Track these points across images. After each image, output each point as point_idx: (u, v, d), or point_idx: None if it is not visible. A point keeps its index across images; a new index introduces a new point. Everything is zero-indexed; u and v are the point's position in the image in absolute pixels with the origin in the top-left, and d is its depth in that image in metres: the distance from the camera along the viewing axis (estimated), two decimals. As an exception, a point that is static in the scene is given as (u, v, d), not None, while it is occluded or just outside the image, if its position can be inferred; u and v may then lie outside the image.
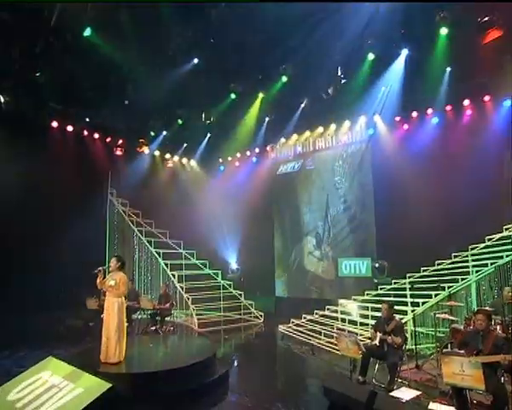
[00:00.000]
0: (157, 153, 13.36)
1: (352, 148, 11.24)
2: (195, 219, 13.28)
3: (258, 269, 13.08)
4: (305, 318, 8.99)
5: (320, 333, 7.76)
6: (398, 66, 8.31)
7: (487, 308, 5.55)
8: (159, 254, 11.40)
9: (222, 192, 14.02)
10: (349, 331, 7.59)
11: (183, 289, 10.58)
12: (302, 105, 9.98)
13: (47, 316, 10.33)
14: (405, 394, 4.83)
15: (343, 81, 8.61)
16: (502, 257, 6.70)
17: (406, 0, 6.64)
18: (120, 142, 12.37)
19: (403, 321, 6.60)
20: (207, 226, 13.46)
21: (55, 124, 10.94)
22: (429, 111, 10.48)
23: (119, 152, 12.52)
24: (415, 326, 6.50)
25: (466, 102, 9.91)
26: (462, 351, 4.06)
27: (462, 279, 6.82)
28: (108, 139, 12.10)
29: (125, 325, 5.50)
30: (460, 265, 7.34)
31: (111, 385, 4.36)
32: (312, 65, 8.31)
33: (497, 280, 6.65)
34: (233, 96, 9.83)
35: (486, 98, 9.69)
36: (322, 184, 11.81)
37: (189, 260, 11.67)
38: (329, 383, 4.79)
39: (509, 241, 6.89)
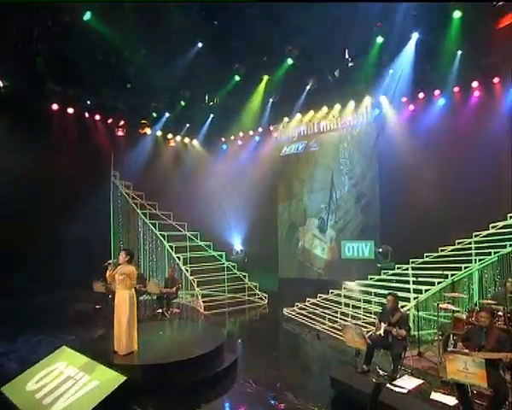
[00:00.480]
0: (159, 134, 13.24)
1: (357, 130, 11.12)
2: (198, 201, 13.33)
3: (261, 250, 13.25)
4: (308, 301, 9.20)
5: (324, 318, 7.95)
6: (408, 49, 8.07)
7: (489, 301, 5.67)
8: (163, 236, 11.51)
9: (225, 173, 14.00)
10: (352, 316, 7.81)
11: (188, 271, 10.76)
12: (307, 87, 9.76)
13: (55, 298, 10.62)
14: (408, 383, 5.00)
15: (350, 64, 8.38)
16: (505, 246, 6.78)
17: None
18: (122, 123, 12.25)
19: (406, 308, 6.81)
20: (211, 208, 13.52)
21: (55, 106, 10.76)
22: (436, 92, 10.32)
23: (120, 132, 12.42)
24: (418, 311, 6.61)
25: (474, 84, 9.73)
26: (466, 350, 4.17)
27: (466, 267, 6.91)
28: (110, 121, 11.95)
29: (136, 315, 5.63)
30: (463, 252, 7.41)
31: (126, 378, 4.53)
32: (319, 47, 8.08)
33: (500, 269, 6.76)
34: (237, 78, 9.61)
35: (496, 80, 9.51)
36: (327, 167, 11.76)
37: (193, 241, 11.77)
38: (336, 374, 4.98)
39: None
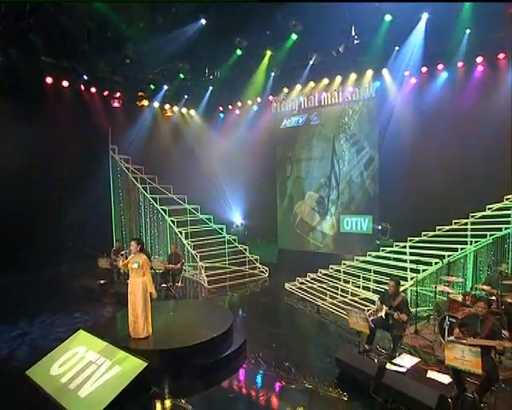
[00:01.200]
0: (157, 105, 12.95)
1: (359, 104, 11.05)
2: (197, 174, 13.35)
3: (261, 222, 13.52)
4: (309, 276, 9.58)
5: (325, 294, 8.34)
6: (418, 29, 7.88)
7: (484, 287, 6.02)
8: (165, 211, 11.61)
9: (224, 145, 13.92)
10: (352, 293, 8.20)
11: (190, 246, 10.99)
12: (311, 62, 9.53)
13: (57, 273, 10.85)
14: (406, 361, 5.41)
15: (356, 42, 8.18)
16: (501, 229, 7.07)
17: None
18: (118, 94, 11.92)
19: (404, 287, 7.18)
20: (210, 181, 13.59)
21: (49, 80, 10.38)
22: (440, 66, 10.21)
23: (116, 104, 12.14)
24: (417, 291, 6.95)
25: (479, 59, 9.62)
26: (463, 340, 4.51)
27: (462, 249, 7.23)
28: (106, 93, 11.60)
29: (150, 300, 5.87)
30: (460, 233, 7.69)
31: (147, 364, 4.83)
32: (324, 23, 7.81)
33: (494, 252, 7.10)
34: (239, 51, 9.32)
35: (501, 56, 9.41)
36: (327, 141, 11.77)
37: (193, 215, 11.90)
38: (341, 355, 5.36)
39: (509, 212, 7.19)
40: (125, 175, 12.03)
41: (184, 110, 14.06)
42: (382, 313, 5.83)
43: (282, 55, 9.30)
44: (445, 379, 4.86)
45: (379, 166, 10.71)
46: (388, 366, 5.16)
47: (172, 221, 11.47)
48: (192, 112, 14.30)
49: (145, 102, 12.13)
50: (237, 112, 14.53)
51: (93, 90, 11.29)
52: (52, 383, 5.03)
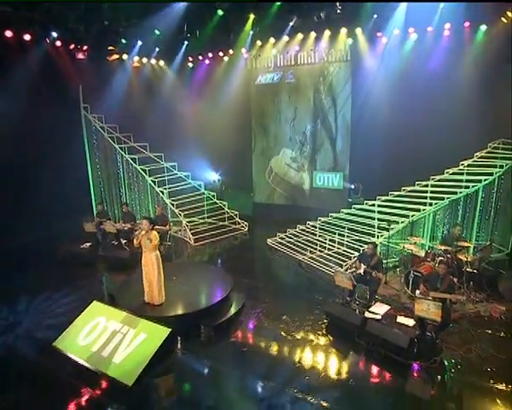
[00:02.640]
0: (129, 60, 12.25)
1: (333, 66, 11.38)
2: (172, 131, 13.23)
3: (236, 177, 13.98)
4: (288, 231, 10.54)
5: (305, 249, 9.39)
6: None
7: (442, 247, 7.28)
8: (144, 171, 11.68)
9: (197, 100, 13.72)
10: (328, 249, 9.32)
11: (174, 205, 11.37)
12: (291, 23, 9.53)
13: (41, 239, 10.75)
14: (380, 309, 6.66)
15: (339, 11, 8.34)
16: (456, 193, 8.28)
17: None
18: (85, 48, 11.13)
19: (375, 240, 8.37)
20: (184, 137, 13.52)
21: (9, 33, 9.43)
22: (411, 30, 10.67)
23: (81, 55, 11.38)
24: (388, 243, 8.13)
25: (447, 25, 10.20)
26: (429, 296, 5.71)
27: (423, 209, 8.43)
28: (72, 46, 10.77)
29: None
30: (421, 195, 8.84)
31: (171, 330, 5.59)
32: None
33: (450, 212, 8.38)
34: (220, 12, 9.04)
35: (466, 24, 10.04)
36: (301, 99, 12.14)
37: (171, 174, 12.06)
38: (329, 308, 6.49)
39: (462, 178, 8.38)
40: (100, 135, 11.72)
41: (154, 61, 13.43)
42: (361, 271, 6.95)
43: (265, 20, 9.18)
44: (411, 322, 6.16)
45: (351, 127, 11.42)
46: (366, 314, 6.39)
47: (153, 181, 11.64)
48: (161, 63, 13.69)
49: (116, 57, 11.44)
50: (207, 62, 14.12)
51: (58, 44, 10.42)
52: (83, 352, 5.64)
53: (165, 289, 6.49)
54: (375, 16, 9.17)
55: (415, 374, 5.22)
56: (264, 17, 9.17)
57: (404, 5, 9.08)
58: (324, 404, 4.65)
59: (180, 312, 6.27)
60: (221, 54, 13.41)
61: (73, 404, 4.75)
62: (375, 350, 5.60)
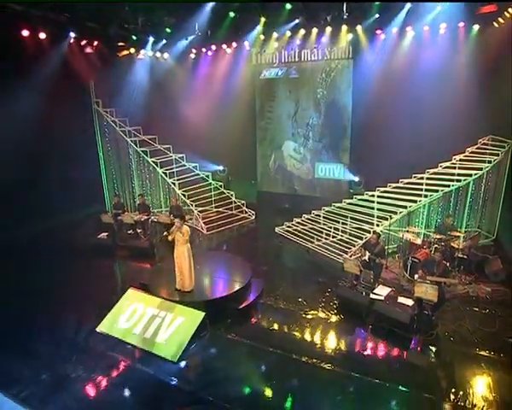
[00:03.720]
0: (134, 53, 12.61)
1: (335, 62, 12.01)
2: (178, 124, 13.69)
3: (241, 167, 14.62)
4: (295, 220, 11.35)
5: (312, 237, 10.25)
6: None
7: (436, 236, 8.19)
8: (156, 163, 12.25)
9: (203, 94, 14.16)
10: (333, 236, 10.18)
11: (185, 196, 12.03)
12: (297, 20, 10.05)
13: (56, 228, 11.34)
14: (383, 290, 7.56)
15: (345, 16, 8.93)
16: (449, 185, 9.15)
17: None
18: (96, 43, 11.48)
19: (375, 228, 9.24)
20: (191, 130, 14.02)
21: (25, 32, 9.75)
22: (408, 28, 11.31)
23: (92, 51, 11.72)
24: (389, 231, 9.00)
25: (443, 25, 10.86)
26: (427, 281, 6.62)
27: (419, 201, 9.30)
28: (84, 42, 11.10)
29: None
30: (418, 187, 9.67)
31: (205, 313, 6.40)
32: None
33: (443, 202, 9.27)
34: (232, 14, 9.52)
35: (461, 25, 10.73)
36: (305, 93, 12.77)
37: (180, 165, 12.61)
38: (340, 292, 7.40)
39: (454, 172, 9.24)
40: (112, 129, 12.19)
41: (159, 54, 13.75)
42: (366, 258, 7.85)
43: (274, 21, 9.68)
44: (410, 302, 7.05)
45: (352, 120, 12.15)
46: (371, 295, 7.31)
47: (164, 173, 12.23)
48: (166, 55, 14.01)
49: (126, 52, 11.81)
50: (209, 53, 14.47)
51: (72, 41, 10.75)
52: (127, 333, 6.43)
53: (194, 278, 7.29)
54: (377, 16, 9.71)
55: (415, 345, 6.18)
56: (274, 19, 9.64)
57: (408, 5, 9.62)
58: (338, 370, 5.60)
59: (209, 297, 7.09)
60: (224, 46, 13.85)
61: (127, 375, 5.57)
62: (380, 326, 6.53)
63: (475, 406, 4.92)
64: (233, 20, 9.90)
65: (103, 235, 10.64)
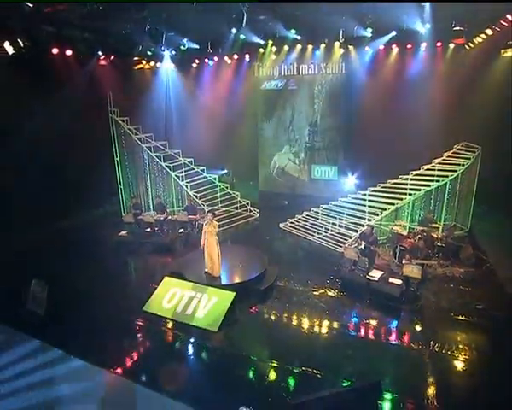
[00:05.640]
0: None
1: (330, 76, 13.55)
2: (185, 130, 14.96)
3: (244, 170, 16.03)
4: (296, 217, 12.80)
5: (314, 231, 11.74)
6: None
7: (420, 228, 9.82)
8: (169, 167, 13.44)
9: (208, 102, 15.47)
10: (331, 230, 11.69)
11: (197, 197, 13.29)
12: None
13: (79, 226, 12.50)
14: (376, 274, 9.08)
15: (341, 40, 10.44)
16: (429, 185, 10.78)
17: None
18: (112, 57, 12.63)
19: (367, 222, 10.78)
20: (196, 134, 15.31)
21: (55, 50, 10.84)
22: (394, 46, 12.95)
23: (103, 62, 12.82)
24: (380, 224, 10.56)
25: (423, 45, 12.49)
26: (414, 263, 8.18)
27: (405, 198, 10.91)
28: (102, 55, 12.21)
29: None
30: (403, 186, 11.27)
31: (235, 293, 7.74)
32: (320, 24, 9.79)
33: (425, 199, 10.93)
34: (242, 36, 10.90)
35: (438, 44, 12.42)
36: (303, 104, 14.29)
37: (189, 168, 13.77)
38: (344, 276, 8.90)
39: (434, 173, 10.88)
40: (127, 136, 13.32)
41: (166, 64, 14.92)
42: (362, 246, 9.38)
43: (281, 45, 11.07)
44: (399, 282, 8.60)
45: (344, 127, 13.74)
46: (367, 277, 8.84)
47: (177, 176, 13.45)
48: (172, 65, 15.15)
49: (140, 66, 12.96)
50: (210, 63, 15.69)
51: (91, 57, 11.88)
52: (171, 311, 7.71)
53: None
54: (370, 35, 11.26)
55: (404, 314, 7.74)
56: (280, 44, 11.06)
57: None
58: (344, 331, 7.10)
59: (236, 281, 8.47)
60: (226, 58, 15.16)
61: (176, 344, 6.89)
62: (376, 301, 8.06)
63: (452, 352, 6.50)
64: (242, 41, 11.25)
65: (124, 233, 11.83)
